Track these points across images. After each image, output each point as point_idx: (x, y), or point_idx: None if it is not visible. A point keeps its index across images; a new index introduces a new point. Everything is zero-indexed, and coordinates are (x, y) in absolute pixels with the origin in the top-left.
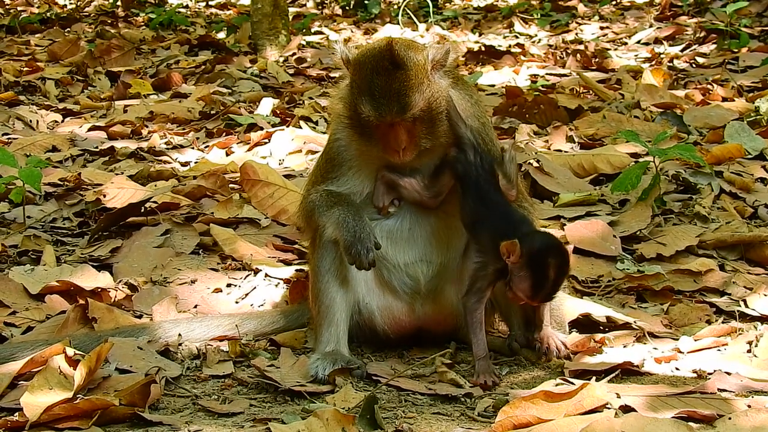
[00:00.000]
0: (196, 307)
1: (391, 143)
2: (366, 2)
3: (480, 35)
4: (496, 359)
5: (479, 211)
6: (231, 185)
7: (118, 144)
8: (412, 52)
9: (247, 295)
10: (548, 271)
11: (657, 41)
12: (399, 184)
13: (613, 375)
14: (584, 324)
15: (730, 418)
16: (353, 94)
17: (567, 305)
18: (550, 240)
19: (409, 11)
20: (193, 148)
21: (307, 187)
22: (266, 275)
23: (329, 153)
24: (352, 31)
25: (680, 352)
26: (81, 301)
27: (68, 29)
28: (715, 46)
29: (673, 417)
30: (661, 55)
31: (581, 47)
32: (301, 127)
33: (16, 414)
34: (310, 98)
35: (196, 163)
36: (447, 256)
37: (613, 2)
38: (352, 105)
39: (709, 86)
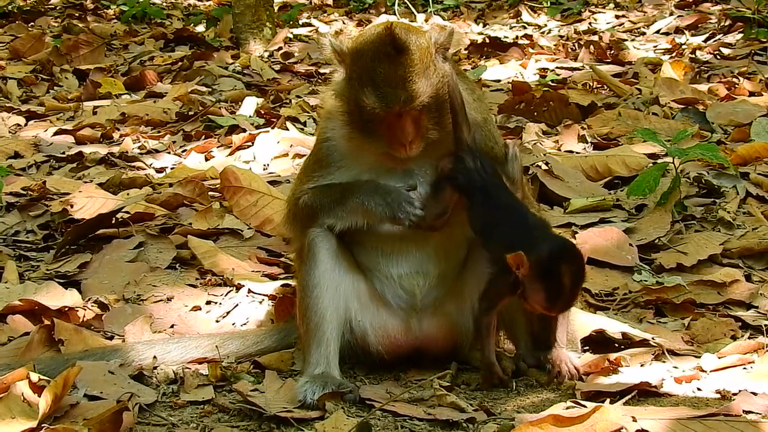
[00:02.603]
0: (172, 326)
1: (398, 136)
2: None
3: (484, 26)
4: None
5: (491, 218)
6: (211, 193)
7: (87, 149)
8: (414, 36)
9: (228, 313)
10: (562, 280)
11: (678, 31)
12: None
13: (629, 396)
14: (598, 341)
15: None
16: (353, 86)
17: (579, 321)
18: (561, 245)
19: (406, 0)
20: (169, 152)
21: (293, 191)
22: (249, 291)
23: (317, 154)
24: (344, 23)
25: (702, 371)
26: (46, 322)
27: (32, 23)
28: (741, 35)
29: None
30: (683, 46)
31: (595, 38)
32: (287, 129)
33: None
34: (298, 97)
35: (172, 169)
36: (445, 266)
37: None
38: (352, 99)
39: (734, 79)
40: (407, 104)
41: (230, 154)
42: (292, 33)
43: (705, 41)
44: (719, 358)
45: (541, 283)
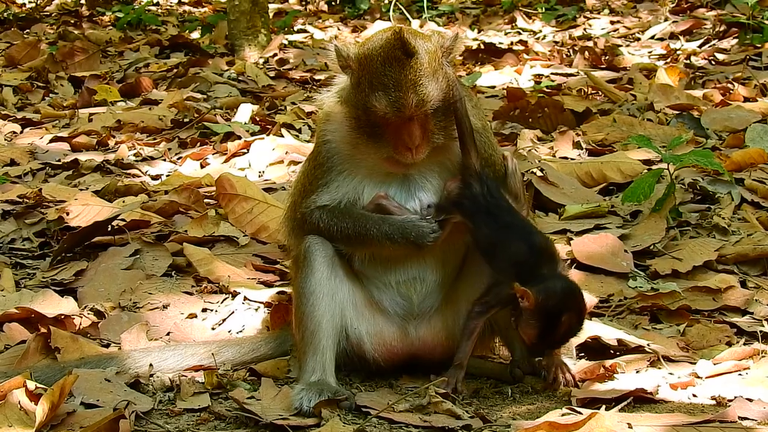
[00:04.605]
0: (168, 334)
1: (405, 140)
2: None
3: (479, 32)
4: (496, 387)
5: (498, 236)
6: (206, 200)
7: (83, 156)
8: (422, 40)
9: (224, 320)
10: (558, 328)
11: (672, 36)
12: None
13: (625, 403)
14: (593, 348)
15: None
16: (361, 91)
17: None
18: (571, 293)
19: (401, 6)
20: (164, 159)
21: (294, 198)
22: (245, 298)
23: (317, 158)
24: (338, 29)
25: (698, 377)
26: (43, 330)
27: (27, 30)
28: (736, 40)
29: None
30: (677, 52)
31: (590, 44)
32: (282, 136)
33: None
34: (293, 103)
35: (167, 176)
36: (442, 273)
37: None
38: (360, 104)
39: (729, 85)
40: (419, 108)
41: (225, 161)
42: (287, 39)
43: (700, 47)
44: (714, 364)
45: (537, 322)
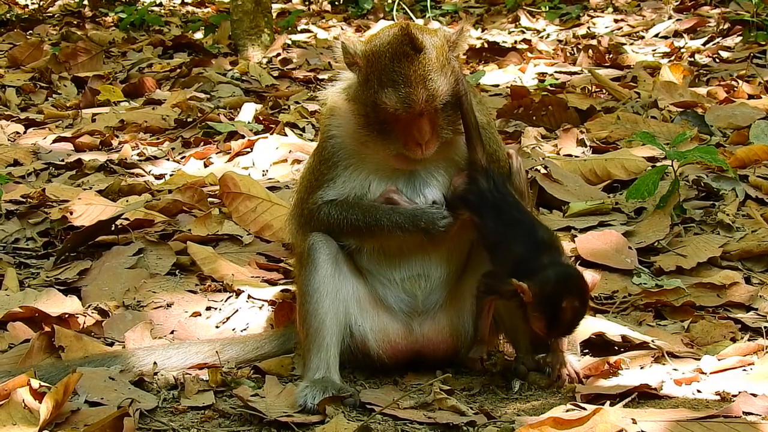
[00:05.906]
0: (172, 332)
1: (414, 136)
2: None
3: (483, 31)
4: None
5: (502, 233)
6: (210, 199)
7: (86, 156)
8: (429, 35)
9: (228, 318)
10: (563, 313)
11: (677, 34)
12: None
13: (629, 399)
14: (598, 344)
15: None
16: (370, 88)
17: None
18: (566, 277)
19: (404, 6)
20: (168, 159)
21: (300, 195)
22: (249, 297)
23: (322, 154)
24: (342, 29)
25: (702, 372)
26: (47, 329)
27: (30, 31)
28: (740, 38)
29: None
30: (681, 50)
31: (593, 42)
32: (286, 135)
33: None
34: (297, 103)
35: (171, 175)
36: (447, 269)
37: None
38: (369, 101)
39: (733, 82)
40: (429, 103)
41: (229, 161)
42: (290, 39)
43: (704, 44)
44: (719, 360)
45: (542, 313)
